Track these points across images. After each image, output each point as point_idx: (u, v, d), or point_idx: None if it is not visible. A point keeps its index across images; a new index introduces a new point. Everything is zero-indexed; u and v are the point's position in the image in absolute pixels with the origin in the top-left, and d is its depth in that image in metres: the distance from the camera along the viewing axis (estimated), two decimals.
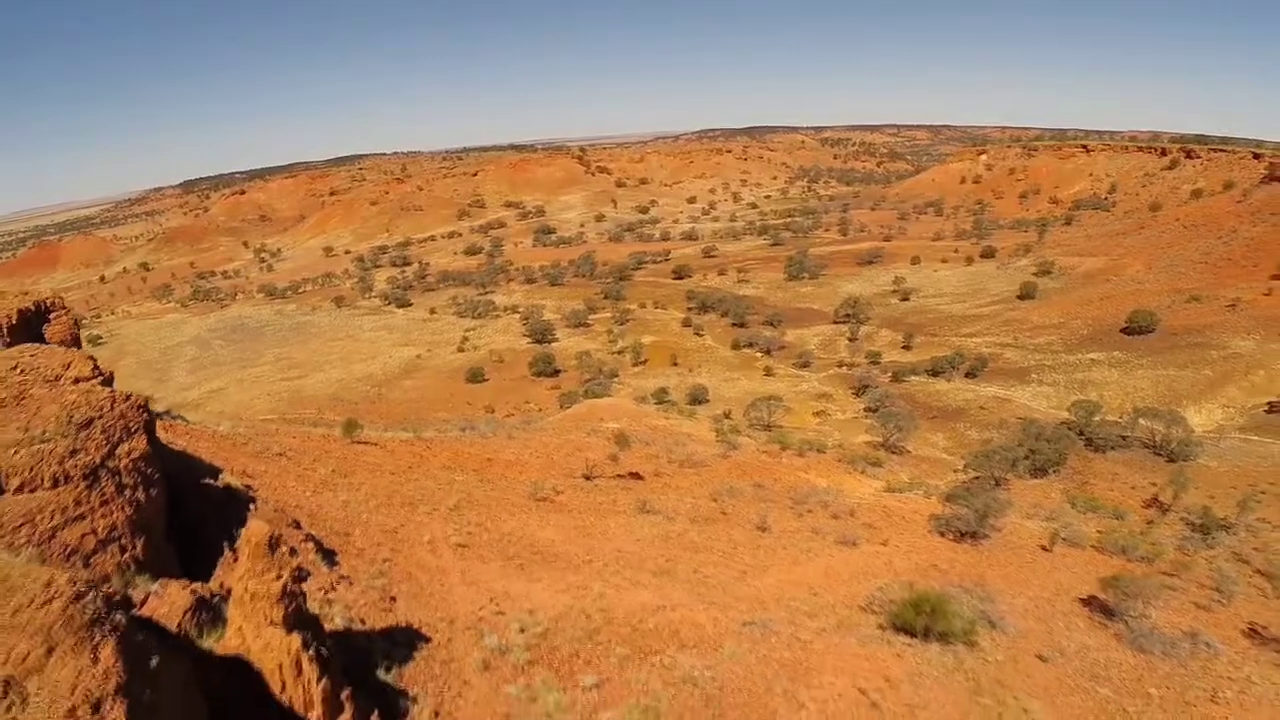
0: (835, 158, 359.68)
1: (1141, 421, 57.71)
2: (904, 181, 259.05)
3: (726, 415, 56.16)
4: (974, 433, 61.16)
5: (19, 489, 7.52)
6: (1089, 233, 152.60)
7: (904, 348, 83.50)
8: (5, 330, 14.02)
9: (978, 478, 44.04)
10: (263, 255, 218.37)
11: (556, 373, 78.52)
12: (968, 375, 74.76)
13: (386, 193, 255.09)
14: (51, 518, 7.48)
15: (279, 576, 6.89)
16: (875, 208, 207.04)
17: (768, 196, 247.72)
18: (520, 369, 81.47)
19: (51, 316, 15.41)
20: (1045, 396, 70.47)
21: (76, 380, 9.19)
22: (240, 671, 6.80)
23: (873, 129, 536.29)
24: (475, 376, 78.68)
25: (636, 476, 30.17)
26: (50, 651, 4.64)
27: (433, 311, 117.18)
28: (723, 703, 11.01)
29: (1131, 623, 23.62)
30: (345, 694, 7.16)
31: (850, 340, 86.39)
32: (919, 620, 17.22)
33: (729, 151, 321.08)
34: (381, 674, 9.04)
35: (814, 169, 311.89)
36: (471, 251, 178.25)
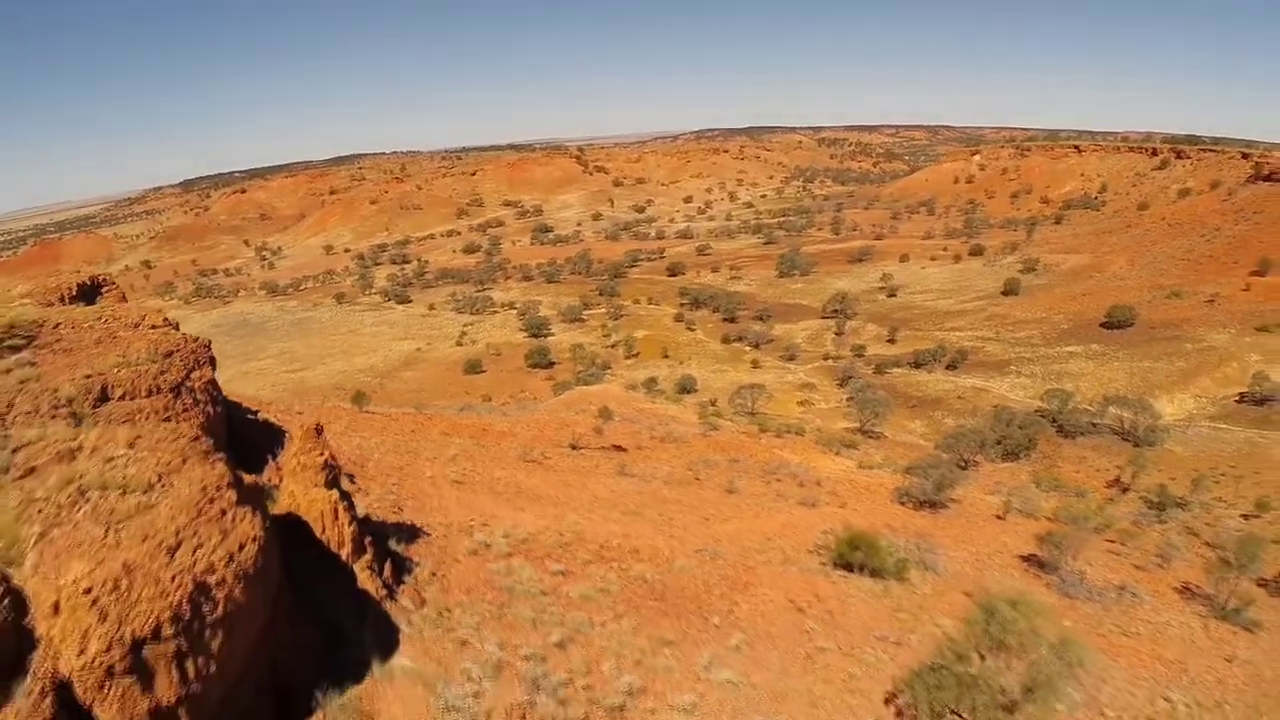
0: (832, 158, 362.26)
1: (1111, 409, 60.33)
2: (898, 181, 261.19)
3: (712, 403, 58.64)
4: (951, 420, 63.60)
5: (120, 397, 9.94)
6: (1076, 231, 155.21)
7: (889, 341, 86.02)
8: (67, 300, 16.54)
9: (944, 455, 46.49)
10: (264, 253, 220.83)
11: (551, 365, 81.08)
12: (949, 367, 77.29)
13: (386, 192, 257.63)
14: (148, 418, 9.87)
15: (322, 454, 9.34)
16: (869, 207, 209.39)
17: (763, 196, 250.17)
18: (516, 361, 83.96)
19: (104, 290, 17.92)
20: (1022, 387, 73.01)
21: (153, 326, 11.66)
22: (292, 526, 9.24)
23: (871, 129, 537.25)
24: (473, 368, 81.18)
25: (619, 449, 32.65)
26: (184, 461, 7.08)
27: (432, 307, 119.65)
28: (665, 595, 13.48)
29: (1063, 574, 26.16)
30: (367, 540, 9.65)
31: (836, 334, 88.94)
32: (855, 556, 19.72)
33: (726, 151, 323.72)
34: (393, 545, 11.52)
35: (810, 169, 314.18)
36: (470, 250, 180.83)
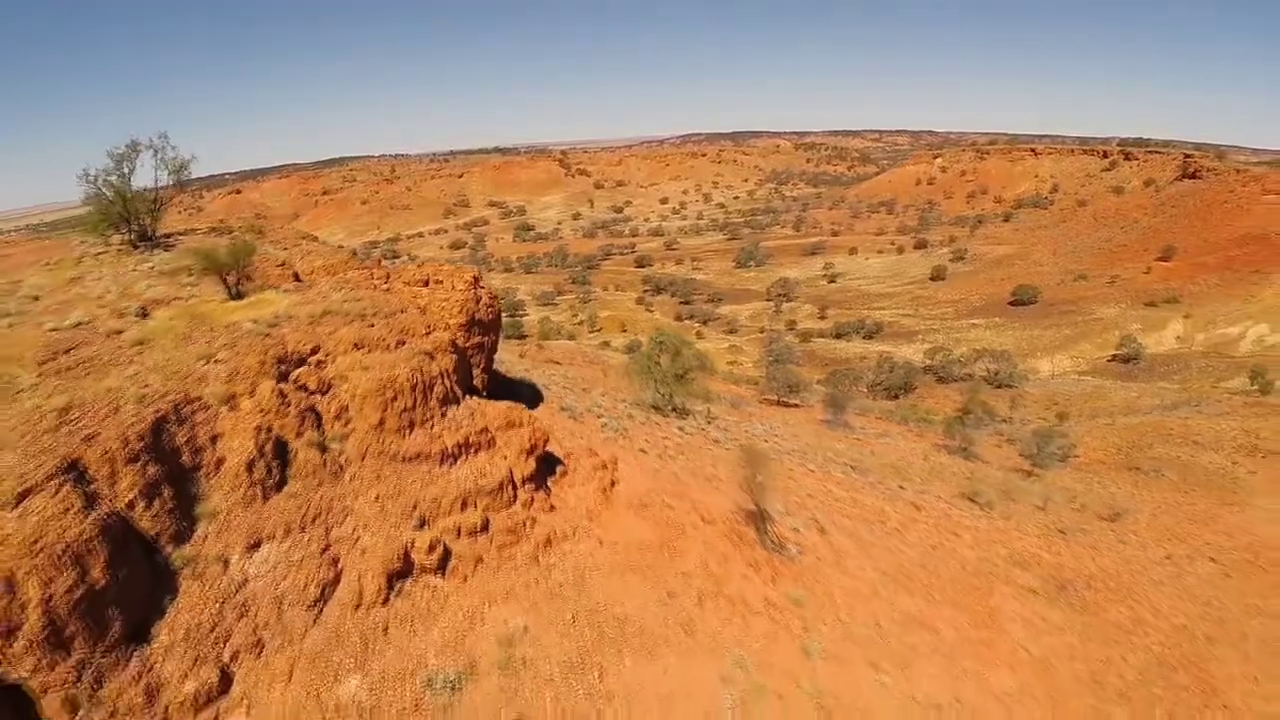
0: (808, 161, 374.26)
1: (980, 362, 72.85)
2: (864, 183, 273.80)
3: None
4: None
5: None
6: (1018, 227, 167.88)
7: (819, 318, 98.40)
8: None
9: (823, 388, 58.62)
10: None
11: (523, 337, 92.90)
12: (866, 337, 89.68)
13: (377, 192, 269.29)
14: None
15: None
16: (833, 207, 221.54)
17: (736, 198, 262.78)
18: None
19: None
20: (923, 352, 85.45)
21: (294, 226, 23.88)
22: None
23: (854, 134, 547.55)
24: None
25: (555, 362, 44.78)
26: (353, 255, 19.17)
27: None
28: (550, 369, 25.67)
29: (830, 419, 38.43)
30: None
31: (775, 312, 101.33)
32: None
33: (704, 155, 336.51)
34: None
35: (785, 172, 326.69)
36: (456, 246, 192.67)
